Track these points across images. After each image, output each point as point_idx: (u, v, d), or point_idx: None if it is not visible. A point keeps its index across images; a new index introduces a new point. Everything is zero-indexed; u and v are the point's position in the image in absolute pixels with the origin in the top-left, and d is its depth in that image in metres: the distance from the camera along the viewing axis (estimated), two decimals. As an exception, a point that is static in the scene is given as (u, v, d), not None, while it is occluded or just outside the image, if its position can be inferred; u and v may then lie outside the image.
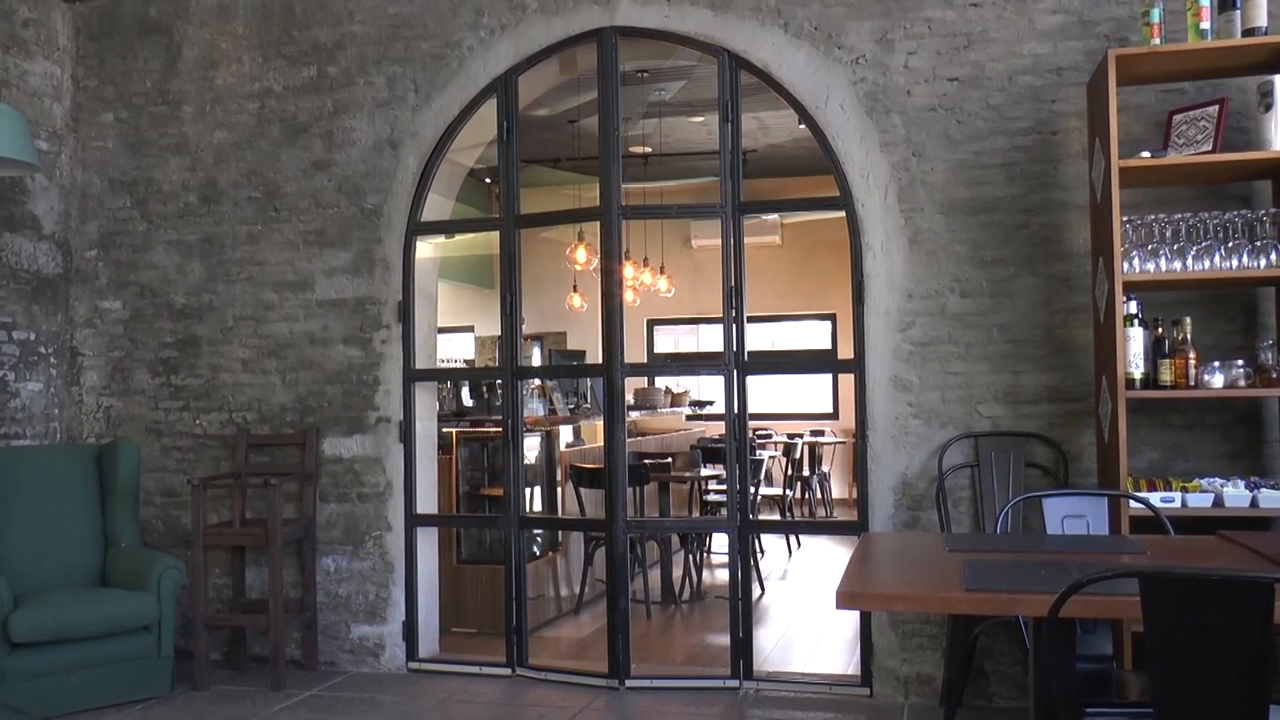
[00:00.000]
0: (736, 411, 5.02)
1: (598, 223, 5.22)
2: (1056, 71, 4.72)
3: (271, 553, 5.11)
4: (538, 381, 7.97)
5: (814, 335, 13.34)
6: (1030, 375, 4.72)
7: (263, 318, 5.71)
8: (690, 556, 7.43)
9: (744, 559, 5.03)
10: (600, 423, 5.66)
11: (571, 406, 8.29)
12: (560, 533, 7.00)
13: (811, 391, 13.26)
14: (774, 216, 12.56)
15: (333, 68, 5.63)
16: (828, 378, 13.28)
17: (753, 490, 6.36)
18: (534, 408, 7.47)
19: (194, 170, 5.85)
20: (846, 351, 4.73)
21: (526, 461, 7.00)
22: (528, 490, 7.08)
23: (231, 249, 5.77)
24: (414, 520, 5.43)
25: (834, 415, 13.26)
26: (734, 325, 5.01)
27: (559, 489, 7.24)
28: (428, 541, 5.58)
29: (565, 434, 7.85)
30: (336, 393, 5.57)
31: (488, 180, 11.03)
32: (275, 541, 5.10)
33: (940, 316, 4.82)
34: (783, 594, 7.65)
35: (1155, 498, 3.96)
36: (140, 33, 5.95)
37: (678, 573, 7.43)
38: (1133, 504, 3.84)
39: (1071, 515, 3.47)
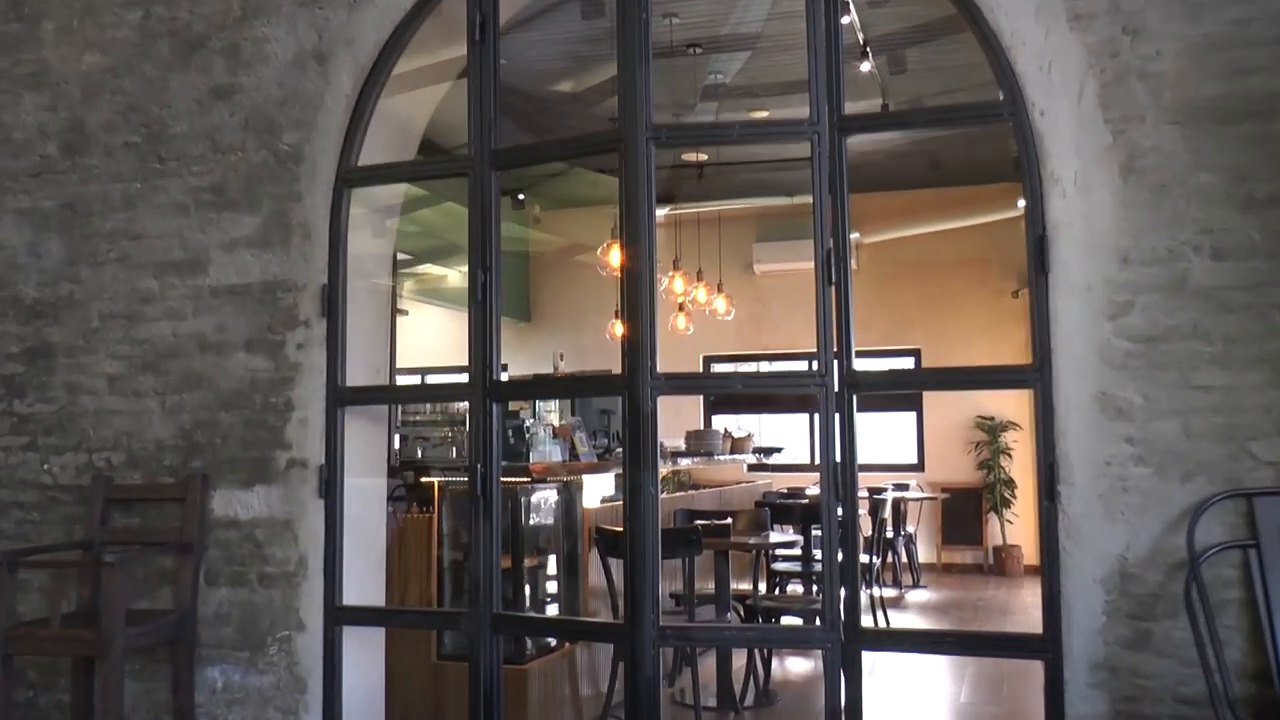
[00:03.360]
0: (839, 458, 3.10)
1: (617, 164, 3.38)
2: (1371, -115, 2.86)
3: (105, 671, 3.30)
4: (556, 420, 6.21)
5: (894, 375, 11.55)
6: (1342, 390, 2.80)
7: (138, 314, 3.99)
8: (754, 644, 5.71)
9: (852, 694, 3.08)
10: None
11: (600, 450, 6.46)
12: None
13: (890, 438, 11.59)
14: (853, 235, 10.81)
15: (241, -45, 3.93)
16: (911, 421, 11.43)
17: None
18: (546, 451, 5.68)
19: (55, 110, 4.20)
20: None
21: (544, 522, 5.35)
22: (547, 558, 5.52)
23: (101, 218, 4.08)
24: (336, 615, 3.59)
25: (918, 467, 11.49)
26: (837, 316, 3.13)
27: (581, 558, 5.46)
28: (362, 644, 3.73)
29: (601, 486, 6.08)
30: (234, 423, 3.81)
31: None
32: (111, 652, 3.29)
33: (1178, 293, 2.96)
34: (871, 697, 5.73)
35: None
36: (-9, -74, 4.32)
37: (738, 662, 5.70)
38: None
39: None
